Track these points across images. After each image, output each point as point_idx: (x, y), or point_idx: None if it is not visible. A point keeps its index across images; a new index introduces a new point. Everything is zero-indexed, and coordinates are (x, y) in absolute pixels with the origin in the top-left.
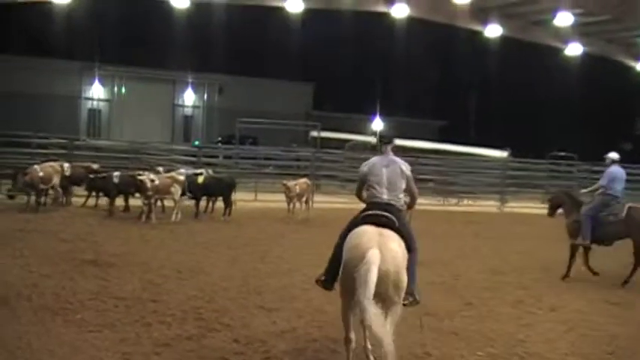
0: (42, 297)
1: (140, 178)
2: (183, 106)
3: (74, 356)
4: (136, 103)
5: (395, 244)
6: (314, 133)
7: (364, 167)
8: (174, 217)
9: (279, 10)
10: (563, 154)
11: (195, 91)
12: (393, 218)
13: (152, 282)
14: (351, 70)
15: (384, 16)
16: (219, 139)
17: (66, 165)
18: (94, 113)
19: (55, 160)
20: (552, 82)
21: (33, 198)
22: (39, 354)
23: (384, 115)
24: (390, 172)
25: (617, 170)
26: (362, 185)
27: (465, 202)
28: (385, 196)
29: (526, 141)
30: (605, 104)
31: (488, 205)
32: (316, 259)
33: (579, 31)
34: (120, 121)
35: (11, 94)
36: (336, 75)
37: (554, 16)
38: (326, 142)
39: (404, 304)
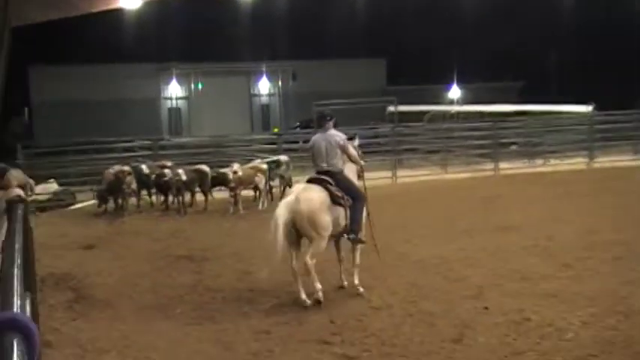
0: (142, 295)
1: (222, 170)
2: (259, 95)
3: (177, 349)
4: (213, 97)
5: (313, 193)
6: (391, 108)
7: (310, 144)
8: (260, 205)
9: None
10: None
11: (270, 80)
12: (327, 178)
13: (246, 272)
14: (422, 41)
15: None
16: (298, 124)
17: (143, 165)
18: (173, 112)
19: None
20: (632, 27)
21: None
22: (145, 351)
23: (461, 83)
24: (327, 146)
25: None
26: (313, 157)
27: (552, 161)
28: (324, 164)
29: (611, 92)
30: None
31: (576, 163)
32: (407, 235)
33: None
34: (199, 116)
35: (92, 102)
36: (408, 47)
37: None
38: (404, 116)
39: (348, 239)
